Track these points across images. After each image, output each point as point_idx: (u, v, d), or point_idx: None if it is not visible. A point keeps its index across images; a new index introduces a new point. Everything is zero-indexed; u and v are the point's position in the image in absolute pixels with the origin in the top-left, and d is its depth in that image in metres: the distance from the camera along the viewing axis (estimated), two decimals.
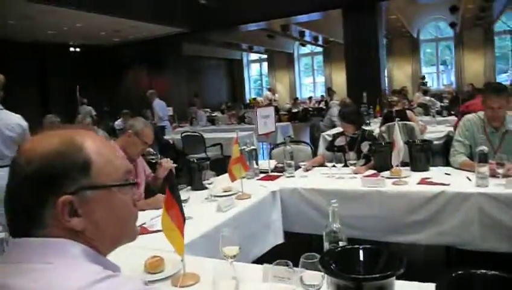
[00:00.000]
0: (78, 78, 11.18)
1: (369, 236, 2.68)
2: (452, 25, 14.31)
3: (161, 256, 1.61)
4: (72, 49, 11.30)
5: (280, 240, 2.82)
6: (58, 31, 9.48)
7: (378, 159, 3.18)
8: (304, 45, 16.68)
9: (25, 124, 3.27)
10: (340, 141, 3.59)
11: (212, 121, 9.87)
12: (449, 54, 16.73)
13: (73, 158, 0.74)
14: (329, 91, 17.63)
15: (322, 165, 3.41)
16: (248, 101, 18.60)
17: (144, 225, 2.15)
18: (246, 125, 8.97)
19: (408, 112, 5.66)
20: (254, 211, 2.56)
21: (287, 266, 1.27)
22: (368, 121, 6.87)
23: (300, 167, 3.35)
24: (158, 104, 8.54)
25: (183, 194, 2.39)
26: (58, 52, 11.01)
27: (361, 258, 1.13)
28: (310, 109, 17.25)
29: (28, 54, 10.13)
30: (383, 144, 3.49)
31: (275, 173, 3.29)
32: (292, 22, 12.52)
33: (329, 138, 6.06)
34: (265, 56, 19.20)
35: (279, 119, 10.50)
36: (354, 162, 3.24)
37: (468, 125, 3.09)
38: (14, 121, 3.19)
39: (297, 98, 17.38)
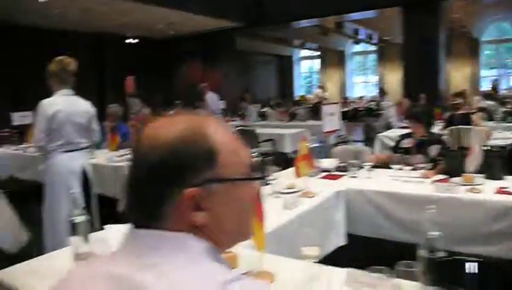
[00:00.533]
0: (134, 69, 11.51)
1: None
2: None
3: (234, 251, 1.58)
4: (128, 40, 11.62)
5: (342, 241, 2.74)
6: (116, 22, 9.78)
7: (449, 164, 3.02)
8: (357, 43, 16.31)
9: (92, 110, 3.37)
10: (407, 143, 3.45)
11: (262, 116, 9.85)
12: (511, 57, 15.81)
13: (199, 146, 0.68)
14: (381, 91, 17.24)
15: (386, 165, 3.28)
16: (297, 98, 18.46)
17: None
18: (298, 122, 8.92)
19: (473, 116, 5.37)
20: (319, 210, 2.51)
21: (381, 272, 1.20)
22: None
23: (362, 167, 3.24)
24: (211, 97, 8.63)
25: None
26: (115, 43, 11.36)
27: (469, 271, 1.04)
28: (361, 108, 16.87)
29: (86, 45, 10.54)
30: (456, 148, 3.29)
31: (338, 173, 3.21)
32: (346, 19, 12.26)
33: (389, 141, 5.92)
34: (316, 53, 18.96)
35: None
36: (423, 165, 3.11)
37: None
38: (84, 107, 3.28)
39: (347, 97, 17.03)
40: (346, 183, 2.93)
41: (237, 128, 6.80)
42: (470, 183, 2.76)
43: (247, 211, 0.76)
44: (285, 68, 18.97)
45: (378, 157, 3.36)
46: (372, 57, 18.13)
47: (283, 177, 2.93)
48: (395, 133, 6.18)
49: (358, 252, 2.73)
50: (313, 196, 2.57)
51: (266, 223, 2.06)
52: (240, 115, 9.28)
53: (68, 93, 3.21)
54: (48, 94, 3.23)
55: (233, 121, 8.78)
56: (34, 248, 3.25)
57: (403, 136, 3.53)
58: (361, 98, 17.51)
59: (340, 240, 2.72)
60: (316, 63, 19.50)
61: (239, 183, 0.72)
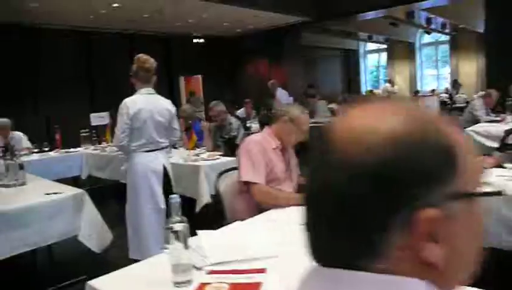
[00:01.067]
0: (201, 69, 11.66)
1: None
2: None
3: None
4: (195, 40, 11.78)
5: None
6: (184, 22, 9.90)
7: None
8: (429, 33, 15.36)
9: (173, 108, 3.32)
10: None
11: (332, 112, 9.52)
12: None
13: (437, 145, 0.46)
14: (455, 84, 16.18)
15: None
16: (364, 93, 17.84)
17: None
18: None
19: None
20: None
21: None
22: None
23: None
24: (281, 93, 8.48)
25: None
26: (182, 43, 11.55)
27: None
28: None
29: (154, 47, 10.82)
30: None
31: None
32: (417, 8, 11.55)
33: (478, 136, 5.40)
34: (384, 46, 18.19)
35: None
36: None
37: None
38: (164, 106, 3.23)
39: (418, 91, 16.16)
40: None
41: (312, 125, 6.58)
42: None
43: (480, 237, 0.51)
44: (351, 62, 18.40)
45: (487, 162, 2.96)
46: (444, 47, 17.03)
47: None
48: (484, 127, 5.65)
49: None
50: None
51: None
52: (310, 112, 9.00)
53: (149, 92, 3.18)
54: (122, 95, 3.22)
55: None
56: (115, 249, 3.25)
57: (509, 132, 3.12)
58: (433, 91, 16.55)
59: None
60: (383, 56, 18.70)
61: (476, 200, 0.49)
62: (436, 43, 17.24)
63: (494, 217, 2.40)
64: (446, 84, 16.91)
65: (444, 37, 16.53)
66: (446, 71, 17.30)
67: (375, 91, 16.85)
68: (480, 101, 6.35)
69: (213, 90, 11.11)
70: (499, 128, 5.50)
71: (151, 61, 3.18)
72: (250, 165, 2.33)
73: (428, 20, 12.56)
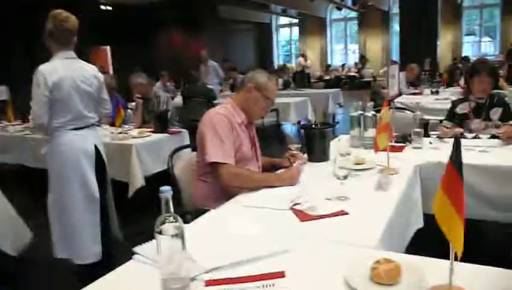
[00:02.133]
0: (109, 38, 10.63)
1: None
2: None
3: (393, 259, 1.12)
4: (102, 7, 10.65)
5: (420, 224, 2.34)
6: None
7: None
8: (340, 9, 15.76)
9: (101, 76, 2.77)
10: (462, 108, 3.04)
11: None
12: (493, 22, 15.69)
13: None
14: (362, 59, 16.96)
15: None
16: (276, 67, 17.89)
17: (299, 208, 1.67)
18: (291, 91, 8.49)
19: (501, 80, 5.05)
20: (407, 189, 2.07)
21: None
22: (435, 90, 6.26)
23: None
24: (213, 65, 8.04)
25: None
26: (87, 10, 10.36)
27: None
28: (343, 76, 16.56)
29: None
30: None
31: (397, 144, 2.77)
32: None
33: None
34: (295, 21, 18.31)
35: (310, 87, 9.98)
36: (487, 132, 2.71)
37: None
38: (91, 72, 2.68)
39: (329, 65, 16.65)
40: (416, 155, 2.51)
41: None
42: None
43: None
44: (264, 36, 18.27)
45: (444, 131, 2.91)
46: (353, 24, 17.66)
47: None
48: (408, 99, 5.83)
49: (437, 234, 2.35)
50: (395, 173, 2.13)
51: (376, 214, 1.65)
52: (231, 86, 8.67)
53: (70, 56, 2.60)
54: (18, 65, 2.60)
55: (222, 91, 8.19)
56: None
57: (456, 102, 3.11)
58: (343, 66, 17.20)
59: (419, 222, 2.32)
60: (295, 31, 18.86)
61: None
62: (346, 19, 17.80)
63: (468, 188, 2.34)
64: (355, 59, 17.65)
65: (353, 14, 17.10)
66: (354, 47, 18.00)
67: (289, 65, 17.00)
68: (403, 75, 6.54)
69: (123, 63, 10.19)
70: (424, 100, 5.73)
71: (72, 20, 2.59)
72: (218, 143, 1.98)
73: None
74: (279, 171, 2.06)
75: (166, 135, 3.87)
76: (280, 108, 6.33)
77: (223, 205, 1.82)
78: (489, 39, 15.98)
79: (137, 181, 3.49)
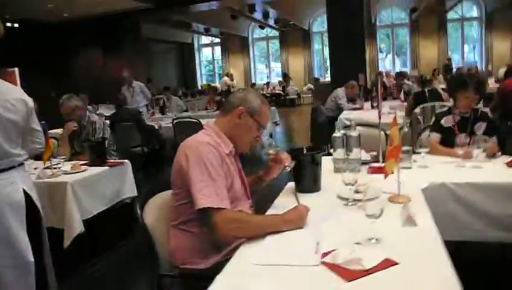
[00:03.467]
0: (17, 59, 9.48)
1: None
2: (412, 11, 14.33)
3: None
4: (9, 24, 9.50)
5: None
6: None
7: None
8: (262, 28, 15.87)
9: (30, 100, 2.15)
10: (447, 122, 2.89)
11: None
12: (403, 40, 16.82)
13: None
14: (286, 77, 17.20)
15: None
16: (200, 87, 17.51)
17: (331, 261, 1.29)
18: None
19: (442, 92, 5.14)
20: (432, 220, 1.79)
21: None
22: (376, 104, 6.28)
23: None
24: (140, 86, 7.40)
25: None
26: None
27: None
28: (268, 94, 16.60)
29: None
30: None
31: (378, 164, 2.52)
32: (259, 1, 11.66)
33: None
34: (217, 40, 18.13)
35: None
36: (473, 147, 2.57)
37: None
38: (15, 95, 2.06)
39: (254, 84, 16.63)
40: (412, 177, 2.26)
41: (176, 121, 5.75)
42: None
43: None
44: (186, 56, 17.83)
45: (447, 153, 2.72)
46: (275, 43, 17.91)
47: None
48: (351, 115, 5.76)
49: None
50: (409, 201, 1.84)
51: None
52: (161, 107, 8.10)
53: None
54: None
55: (153, 113, 7.59)
56: None
57: (440, 115, 2.96)
58: (267, 84, 17.28)
59: None
60: (217, 50, 18.67)
61: None
62: (267, 38, 18.00)
63: (472, 209, 2.13)
64: (278, 77, 17.86)
65: (274, 33, 17.34)
66: (277, 65, 18.23)
67: (214, 85, 16.70)
68: (343, 91, 6.52)
69: (34, 86, 9.09)
70: (366, 114, 5.68)
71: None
72: (209, 182, 1.53)
73: (266, 14, 12.84)
74: (283, 212, 1.64)
75: (106, 167, 3.29)
76: None
77: (217, 262, 1.39)
78: (402, 56, 17.09)
79: (75, 227, 2.86)
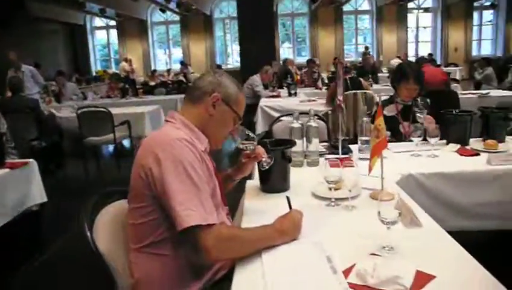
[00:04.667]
0: None
1: (502, 225, 2.14)
2: (313, 1, 14.74)
3: None
4: None
5: None
6: None
7: (456, 130, 2.57)
8: (163, 11, 15.02)
9: None
10: (389, 111, 2.85)
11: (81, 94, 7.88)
12: (304, 30, 17.30)
13: None
14: (184, 64, 16.61)
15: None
16: (95, 74, 16.16)
17: (356, 282, 1.07)
18: (134, 99, 7.60)
19: (362, 80, 5.24)
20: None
21: None
22: (294, 91, 6.26)
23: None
24: (31, 70, 6.39)
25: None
26: None
27: None
28: (169, 81, 15.88)
29: None
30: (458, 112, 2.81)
31: (335, 156, 2.37)
32: None
33: (272, 111, 5.31)
34: (113, 23, 16.77)
35: (136, 93, 9.05)
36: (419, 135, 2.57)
37: None
38: None
39: (155, 71, 15.76)
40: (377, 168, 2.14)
41: (81, 111, 5.05)
42: (494, 149, 2.38)
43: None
44: (77, 39, 16.24)
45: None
46: (176, 27, 17.17)
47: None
48: (270, 103, 5.65)
49: None
50: (392, 199, 1.69)
51: None
52: (56, 95, 7.17)
53: None
54: None
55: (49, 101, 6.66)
56: None
57: (384, 103, 2.91)
58: (168, 70, 16.53)
59: None
60: (113, 34, 17.33)
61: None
62: (168, 23, 17.18)
63: (440, 199, 2.08)
64: (179, 64, 17.21)
65: (175, 17, 16.61)
66: (178, 51, 17.55)
67: (110, 71, 15.50)
68: (259, 77, 6.36)
69: None
70: (287, 102, 5.62)
71: None
72: (192, 191, 1.19)
73: None
74: (275, 222, 1.36)
75: (6, 170, 2.67)
76: (132, 120, 5.39)
77: None
78: (303, 45, 17.57)
79: None
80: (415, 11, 16.78)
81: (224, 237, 1.18)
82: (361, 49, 17.25)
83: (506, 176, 2.08)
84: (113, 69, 16.20)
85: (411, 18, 16.74)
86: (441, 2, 16.39)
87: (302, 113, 3.66)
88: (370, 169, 1.70)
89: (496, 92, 5.83)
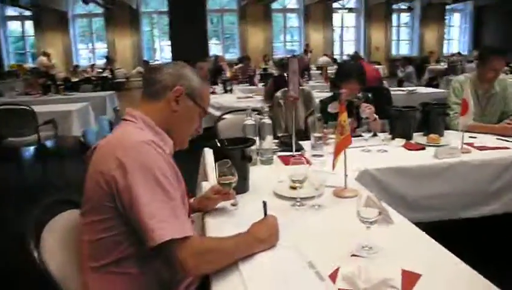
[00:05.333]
0: None
1: (448, 215, 2.23)
2: None
3: None
4: None
5: None
6: None
7: (401, 125, 2.65)
8: (86, 3, 14.09)
9: None
10: (333, 108, 2.86)
11: None
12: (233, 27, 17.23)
13: None
14: (109, 59, 15.84)
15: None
16: (8, 68, 14.81)
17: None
18: (77, 94, 7.19)
19: (299, 76, 5.26)
20: None
21: None
22: (229, 88, 6.19)
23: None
24: None
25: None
26: None
27: None
28: (93, 78, 15.02)
29: None
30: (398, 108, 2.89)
31: (287, 153, 2.33)
32: None
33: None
34: (28, 13, 15.45)
35: (57, 91, 8.41)
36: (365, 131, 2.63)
37: (462, 87, 2.98)
38: None
39: (77, 66, 14.83)
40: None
41: (3, 108, 4.55)
42: (436, 143, 2.49)
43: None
44: None
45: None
46: (99, 20, 16.26)
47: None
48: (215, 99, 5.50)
49: None
50: (355, 196, 1.69)
51: None
52: None
53: None
54: None
55: None
56: None
57: (325, 101, 2.92)
58: (92, 66, 15.65)
59: None
60: (29, 25, 15.99)
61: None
62: (91, 15, 16.20)
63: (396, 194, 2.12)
64: (103, 59, 16.36)
65: (99, 10, 15.71)
66: (103, 46, 16.67)
67: (26, 65, 14.30)
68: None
69: None
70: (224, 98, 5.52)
71: None
72: (164, 201, 1.06)
73: None
74: (252, 229, 1.24)
75: None
76: (58, 118, 4.97)
77: None
78: (231, 42, 17.49)
79: None
80: (340, 11, 17.44)
81: (202, 250, 1.07)
82: (289, 46, 17.63)
83: (451, 168, 2.17)
84: (29, 64, 14.96)
85: (336, 18, 17.37)
86: (363, 3, 17.20)
87: (239, 110, 3.60)
88: (333, 166, 1.67)
89: (421, 89, 6.21)
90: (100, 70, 15.49)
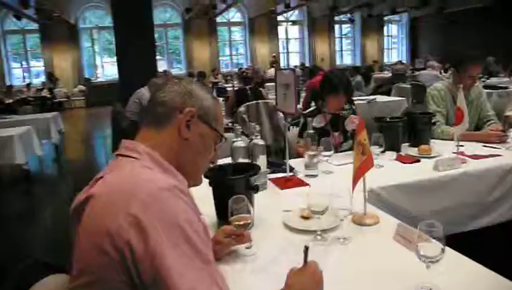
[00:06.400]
0: None
1: (453, 230, 2.10)
2: (187, 11, 14.47)
3: None
4: None
5: None
6: None
7: (390, 137, 2.53)
8: (19, 19, 13.13)
9: None
10: (318, 122, 2.70)
11: None
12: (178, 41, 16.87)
13: None
14: (51, 77, 14.94)
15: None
16: None
17: None
18: (17, 117, 6.59)
19: (262, 90, 5.11)
20: None
21: None
22: None
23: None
24: None
25: None
26: None
27: None
28: (31, 98, 14.02)
29: None
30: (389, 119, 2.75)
31: (281, 174, 2.13)
32: None
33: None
34: None
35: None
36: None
37: (443, 95, 2.97)
38: None
39: (11, 86, 13.80)
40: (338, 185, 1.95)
41: None
42: (427, 154, 2.40)
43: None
44: None
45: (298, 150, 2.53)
46: (35, 37, 15.29)
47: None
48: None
49: None
50: (377, 223, 1.52)
51: None
52: None
53: None
54: None
55: None
56: None
57: (307, 115, 2.75)
58: (28, 86, 14.65)
59: None
60: None
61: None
62: (25, 32, 15.19)
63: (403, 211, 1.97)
64: (39, 78, 15.41)
65: (33, 25, 14.77)
66: (38, 64, 15.69)
67: None
68: (147, 90, 5.82)
69: None
70: None
71: None
72: (199, 265, 0.79)
73: (25, 2, 10.64)
74: (292, 282, 0.99)
75: None
76: None
77: None
78: (176, 57, 17.12)
79: None
80: (284, 24, 17.68)
81: None
82: (236, 60, 17.57)
83: (453, 179, 2.07)
84: None
85: (281, 30, 17.58)
86: (306, 15, 17.55)
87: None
88: (353, 189, 1.49)
89: (380, 98, 6.27)
90: (38, 89, 14.54)
